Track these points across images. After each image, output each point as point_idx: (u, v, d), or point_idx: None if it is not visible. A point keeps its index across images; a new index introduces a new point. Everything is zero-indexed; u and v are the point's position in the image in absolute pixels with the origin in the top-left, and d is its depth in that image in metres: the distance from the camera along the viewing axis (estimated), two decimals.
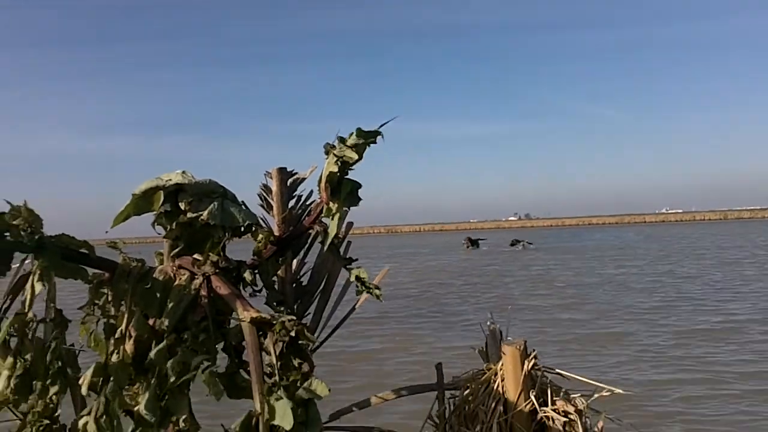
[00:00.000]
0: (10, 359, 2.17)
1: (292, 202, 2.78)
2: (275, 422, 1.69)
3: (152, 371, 1.96)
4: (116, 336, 2.11)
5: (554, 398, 2.57)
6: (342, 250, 2.67)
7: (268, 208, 2.79)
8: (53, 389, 2.12)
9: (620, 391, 2.58)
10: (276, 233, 2.63)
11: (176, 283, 2.16)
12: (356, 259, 2.57)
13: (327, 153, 2.30)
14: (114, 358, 2.07)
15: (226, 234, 2.22)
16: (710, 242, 52.59)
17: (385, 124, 2.27)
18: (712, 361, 11.70)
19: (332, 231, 2.40)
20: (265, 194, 2.82)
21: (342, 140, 2.28)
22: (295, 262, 2.72)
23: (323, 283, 2.73)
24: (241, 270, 2.32)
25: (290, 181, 2.79)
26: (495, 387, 2.62)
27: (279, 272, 2.64)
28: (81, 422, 1.96)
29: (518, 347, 2.56)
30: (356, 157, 2.25)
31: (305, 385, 1.77)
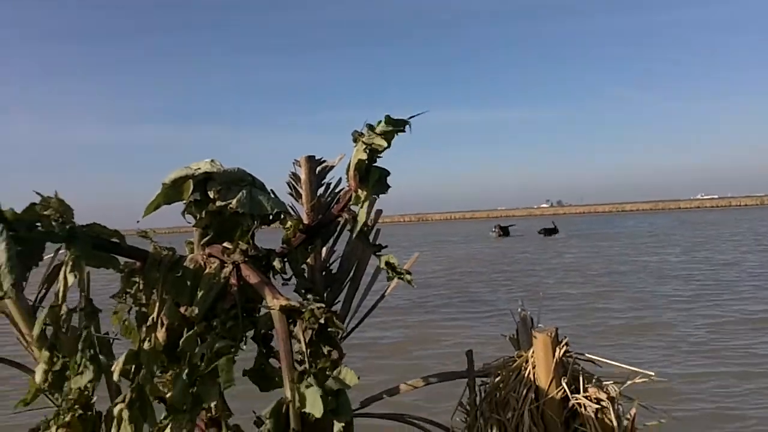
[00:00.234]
0: (46, 353, 2.20)
1: (320, 190, 2.79)
2: (305, 410, 1.69)
3: (183, 359, 1.97)
4: (148, 324, 2.13)
5: (586, 385, 2.55)
6: (371, 237, 2.67)
7: (297, 196, 2.80)
8: (86, 377, 2.14)
9: (652, 374, 2.54)
10: (305, 221, 2.63)
11: (206, 271, 2.17)
12: (386, 246, 2.56)
13: (355, 140, 2.30)
14: (146, 345, 2.09)
15: (255, 222, 2.23)
16: (747, 228, 51.79)
17: (415, 116, 2.26)
18: (750, 352, 11.52)
19: (361, 218, 2.40)
20: (293, 182, 2.82)
21: (371, 128, 2.27)
22: (324, 250, 2.73)
23: (353, 271, 2.73)
24: (271, 258, 2.32)
25: (319, 169, 2.79)
26: (526, 374, 2.60)
27: (308, 260, 2.64)
28: (116, 410, 1.98)
29: (549, 334, 2.54)
30: (385, 144, 2.24)
31: (334, 373, 1.77)
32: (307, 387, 1.71)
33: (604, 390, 2.52)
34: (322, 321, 1.88)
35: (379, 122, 2.26)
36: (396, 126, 2.21)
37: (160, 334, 2.11)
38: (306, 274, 2.63)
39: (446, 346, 12.93)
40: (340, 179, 2.73)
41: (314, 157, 2.80)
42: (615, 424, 2.45)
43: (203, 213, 2.21)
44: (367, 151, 2.27)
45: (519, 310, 2.81)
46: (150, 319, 2.14)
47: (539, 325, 2.74)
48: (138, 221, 2.16)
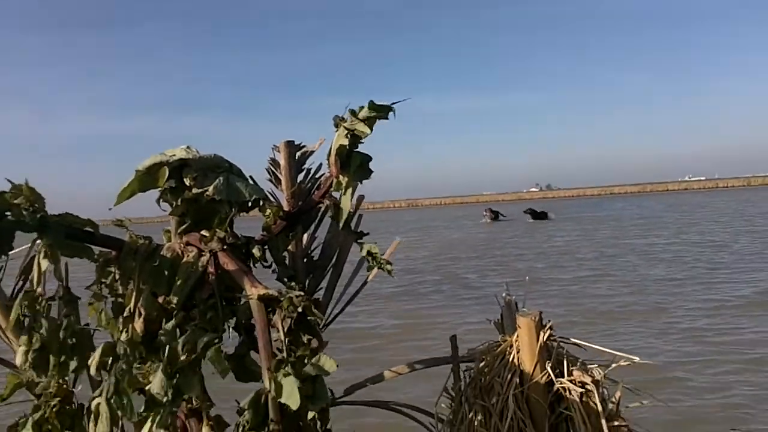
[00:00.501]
0: (24, 337, 2.17)
1: (301, 176, 2.74)
2: (282, 400, 1.67)
3: (163, 350, 1.94)
4: (125, 315, 2.10)
5: (571, 369, 2.53)
6: (353, 223, 2.64)
7: (277, 182, 2.75)
8: (70, 366, 2.11)
9: (637, 359, 2.53)
10: (285, 208, 2.59)
11: (184, 260, 2.14)
12: (367, 233, 2.54)
13: (336, 126, 2.27)
14: (123, 336, 2.05)
15: (233, 209, 2.19)
16: (734, 210, 52.02)
17: (398, 102, 2.23)
18: (741, 336, 11.54)
19: (345, 206, 2.37)
20: (273, 168, 2.78)
21: (353, 113, 2.24)
22: (305, 236, 2.69)
23: (335, 258, 2.69)
24: (250, 246, 2.29)
25: (299, 154, 2.75)
26: (510, 359, 2.58)
27: (290, 247, 2.61)
28: (93, 403, 1.95)
29: (533, 318, 2.52)
30: (368, 131, 2.21)
31: (313, 360, 1.75)
32: (285, 376, 1.68)
33: (589, 374, 2.50)
34: (300, 309, 1.84)
35: (362, 108, 2.23)
36: (379, 112, 2.18)
37: (138, 324, 2.08)
38: (287, 262, 2.59)
39: (434, 333, 12.91)
40: (321, 165, 2.69)
41: (293, 142, 2.75)
42: (600, 407, 2.43)
43: (179, 200, 2.17)
44: (349, 136, 2.24)
45: (504, 294, 2.79)
46: (127, 309, 2.11)
47: (523, 309, 2.73)
48: (110, 209, 2.12)
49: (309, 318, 1.91)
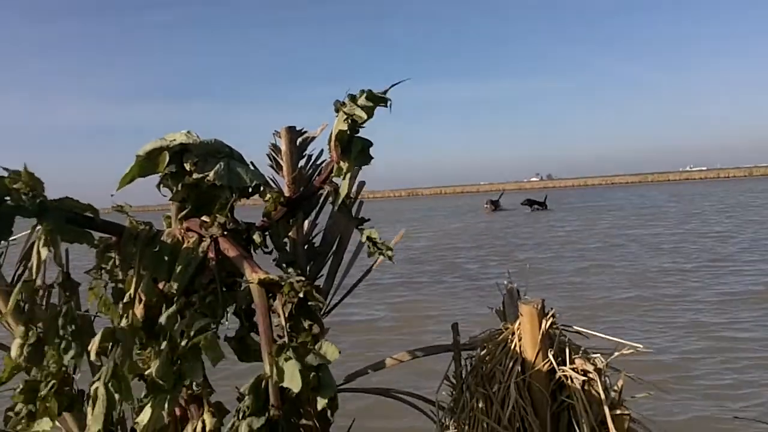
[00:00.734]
0: (21, 327, 2.16)
1: (302, 162, 2.73)
2: (284, 384, 1.65)
3: (163, 336, 1.93)
4: (125, 300, 2.09)
5: (573, 357, 2.52)
6: (354, 210, 2.63)
7: (278, 168, 2.74)
8: (69, 354, 2.09)
9: (640, 346, 2.52)
10: (286, 194, 2.58)
11: (184, 246, 2.13)
12: (368, 219, 2.52)
13: (337, 111, 2.25)
14: (123, 322, 2.04)
15: (234, 195, 2.17)
16: (736, 200, 51.96)
17: (396, 84, 2.22)
18: (743, 327, 11.50)
19: (343, 190, 2.36)
20: (274, 154, 2.77)
21: (352, 98, 2.23)
22: (306, 223, 2.68)
23: (335, 245, 2.68)
24: (251, 232, 2.28)
25: (300, 140, 2.74)
26: (512, 347, 2.57)
27: (290, 234, 2.60)
28: (92, 388, 1.94)
29: (536, 306, 2.51)
30: (365, 116, 2.19)
31: (315, 348, 1.73)
32: (286, 360, 1.67)
33: (591, 362, 2.49)
34: (301, 294, 1.83)
35: (362, 92, 2.22)
36: (377, 101, 2.17)
37: (138, 310, 2.07)
38: (288, 248, 2.58)
39: (434, 322, 12.92)
40: (322, 151, 2.68)
41: (295, 128, 2.74)
42: (602, 395, 2.42)
43: (180, 186, 2.15)
44: (349, 121, 2.23)
45: (506, 282, 2.78)
46: (127, 295, 2.09)
47: (525, 297, 2.71)
48: (112, 195, 2.11)
49: (310, 303, 1.90)
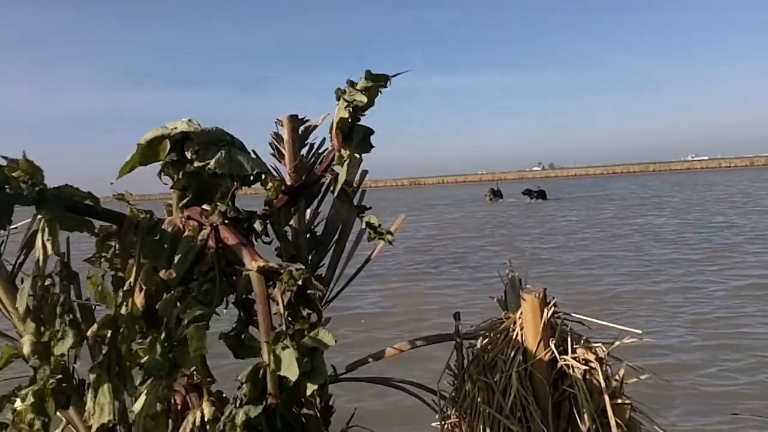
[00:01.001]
0: (32, 324, 2.14)
1: (304, 151, 2.72)
2: (281, 372, 1.65)
3: (162, 324, 1.93)
4: (125, 289, 2.08)
5: (575, 346, 2.52)
6: (356, 199, 2.63)
7: (280, 157, 2.74)
8: (66, 343, 2.08)
9: (640, 332, 2.51)
10: (288, 182, 2.58)
11: (185, 234, 2.12)
12: (369, 208, 2.52)
13: (338, 98, 2.25)
14: (123, 310, 2.04)
15: (235, 183, 2.17)
16: (738, 190, 51.86)
17: (397, 74, 2.21)
18: (750, 320, 11.45)
19: (342, 178, 2.35)
20: (276, 143, 2.76)
21: (352, 84, 2.22)
22: (308, 212, 2.67)
23: (337, 234, 2.68)
24: (252, 220, 2.27)
25: (302, 128, 2.73)
26: (514, 336, 2.57)
27: (292, 223, 2.59)
28: (92, 376, 1.94)
29: (537, 295, 2.50)
30: (366, 100, 2.18)
31: (311, 334, 1.73)
32: (284, 349, 1.67)
33: (593, 351, 2.49)
34: (300, 282, 1.83)
35: (362, 78, 2.21)
36: (376, 81, 2.16)
37: (138, 299, 2.06)
38: (290, 237, 2.58)
39: (436, 311, 12.90)
40: (324, 139, 2.67)
41: (297, 116, 2.73)
42: (603, 384, 2.42)
43: (181, 174, 2.15)
44: (350, 109, 2.22)
45: (507, 271, 2.78)
46: (127, 284, 2.09)
47: (527, 286, 2.71)
48: (112, 183, 2.10)
49: (309, 292, 1.89)
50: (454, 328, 2.77)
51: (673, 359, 9.25)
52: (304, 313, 1.89)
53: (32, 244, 2.31)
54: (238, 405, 1.75)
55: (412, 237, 28.25)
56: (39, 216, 1.96)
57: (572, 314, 2.64)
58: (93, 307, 2.36)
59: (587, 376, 2.47)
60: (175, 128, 2.12)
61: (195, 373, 2.16)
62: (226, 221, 2.11)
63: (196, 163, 2.10)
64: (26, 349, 2.12)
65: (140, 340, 2.06)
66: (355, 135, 2.26)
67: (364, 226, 2.39)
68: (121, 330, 1.97)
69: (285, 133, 2.71)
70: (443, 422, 2.73)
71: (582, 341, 2.56)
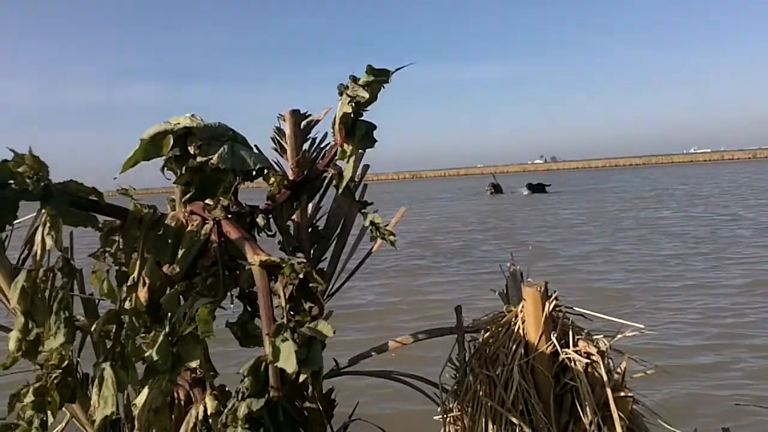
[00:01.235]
0: (21, 320, 2.14)
1: (306, 145, 2.73)
2: (278, 364, 1.66)
3: (166, 318, 1.94)
4: (129, 284, 2.09)
5: (576, 339, 2.53)
6: (358, 193, 2.63)
7: (282, 151, 2.75)
8: (58, 339, 2.09)
9: (642, 326, 2.52)
10: (290, 177, 2.59)
11: (188, 229, 2.13)
12: (371, 203, 2.53)
13: (341, 94, 2.25)
14: (127, 305, 2.05)
15: (238, 178, 2.18)
16: (742, 182, 51.71)
17: (400, 68, 2.21)
18: (754, 313, 11.38)
19: (347, 174, 2.35)
20: (278, 137, 2.77)
21: (354, 79, 2.22)
22: (310, 206, 2.68)
23: (339, 228, 2.69)
24: (255, 215, 2.28)
25: (304, 123, 2.74)
26: (515, 329, 2.58)
27: (294, 217, 2.60)
28: (98, 370, 1.96)
29: (539, 288, 2.51)
30: (368, 96, 2.19)
31: (310, 325, 1.74)
32: (284, 341, 1.68)
33: (594, 344, 2.50)
34: (302, 276, 1.84)
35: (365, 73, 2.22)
36: (378, 76, 2.16)
37: (142, 293, 2.08)
38: (292, 232, 2.59)
39: (436, 306, 12.86)
40: (326, 134, 2.68)
41: (299, 111, 2.74)
42: (605, 378, 2.43)
43: (184, 169, 2.16)
44: (353, 104, 2.22)
45: (509, 264, 2.78)
46: (131, 278, 2.10)
47: (528, 279, 2.72)
48: (115, 177, 2.11)
49: (311, 285, 1.90)
50: (456, 321, 2.79)
51: (678, 353, 9.25)
52: (306, 306, 1.91)
53: (35, 240, 2.32)
54: (240, 398, 1.76)
55: (414, 231, 28.24)
56: (43, 211, 1.97)
57: (574, 308, 2.65)
58: (96, 301, 2.38)
59: (589, 370, 2.48)
60: (178, 123, 2.13)
61: (198, 367, 2.17)
62: (229, 216, 2.12)
63: (199, 159, 2.11)
64: (12, 346, 2.12)
65: (144, 335, 2.08)
66: (357, 130, 2.26)
67: (367, 223, 2.40)
68: (126, 326, 1.98)
69: (287, 128, 2.72)
70: (445, 415, 2.75)
71: (584, 334, 2.57)
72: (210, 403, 2.10)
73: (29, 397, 2.16)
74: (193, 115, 2.17)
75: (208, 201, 2.17)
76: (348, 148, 2.28)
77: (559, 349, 2.51)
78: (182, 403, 2.24)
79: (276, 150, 2.76)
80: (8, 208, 1.79)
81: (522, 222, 30.84)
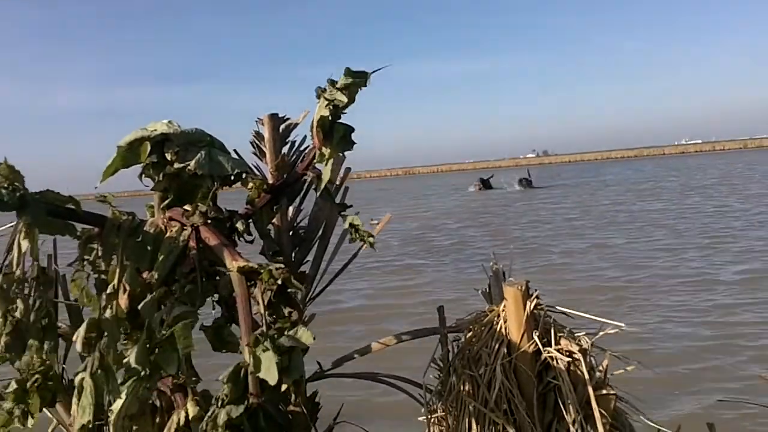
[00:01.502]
0: None
1: (285, 149, 2.74)
2: (260, 375, 1.67)
3: (145, 325, 1.94)
4: (108, 291, 2.09)
5: (558, 337, 2.54)
6: (339, 196, 2.64)
7: (261, 155, 2.75)
8: (45, 347, 2.10)
9: (622, 324, 2.51)
10: (270, 181, 2.59)
11: (167, 235, 2.14)
12: (351, 206, 2.53)
13: (318, 97, 2.26)
14: (107, 313, 2.05)
15: (216, 183, 2.18)
16: (734, 173, 51.78)
17: (378, 70, 2.22)
18: (747, 307, 11.33)
19: (326, 176, 2.36)
20: (257, 141, 2.77)
21: (332, 83, 2.23)
22: (291, 209, 2.69)
23: (321, 231, 2.69)
24: (234, 220, 2.29)
25: (282, 127, 2.74)
26: (498, 328, 2.59)
27: (275, 220, 2.61)
28: (77, 378, 1.95)
29: (520, 287, 2.52)
30: (346, 100, 2.19)
31: (290, 332, 1.74)
32: (264, 351, 1.68)
33: (576, 342, 2.51)
34: (280, 282, 1.84)
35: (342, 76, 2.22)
36: (356, 78, 2.17)
37: (122, 300, 2.08)
38: (273, 235, 2.59)
39: (422, 305, 12.77)
40: (305, 137, 2.69)
41: (278, 115, 2.75)
42: (587, 375, 2.44)
43: (161, 175, 2.16)
44: (330, 107, 2.23)
45: (491, 263, 2.79)
46: (111, 286, 2.10)
47: (510, 279, 2.72)
48: (96, 187, 2.12)
49: (289, 290, 1.91)
50: (439, 322, 2.79)
51: (669, 349, 9.23)
52: (286, 311, 1.91)
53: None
54: (220, 405, 1.77)
55: (405, 228, 28.21)
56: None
57: (555, 306, 2.65)
58: (81, 308, 2.38)
59: (571, 368, 2.49)
60: (155, 130, 2.13)
61: (180, 373, 2.18)
62: (208, 221, 2.13)
63: (177, 165, 2.12)
64: None
65: (125, 342, 2.08)
66: (335, 133, 2.27)
67: (347, 225, 2.40)
68: (106, 335, 1.98)
69: (266, 132, 2.73)
70: (429, 416, 2.75)
71: (566, 332, 2.58)
72: (191, 409, 2.10)
73: (12, 386, 2.17)
74: (170, 122, 2.17)
75: (186, 207, 2.18)
76: (326, 151, 2.29)
77: (541, 347, 2.52)
78: (164, 408, 2.24)
79: (255, 154, 2.76)
80: None
81: (513, 217, 30.79)
